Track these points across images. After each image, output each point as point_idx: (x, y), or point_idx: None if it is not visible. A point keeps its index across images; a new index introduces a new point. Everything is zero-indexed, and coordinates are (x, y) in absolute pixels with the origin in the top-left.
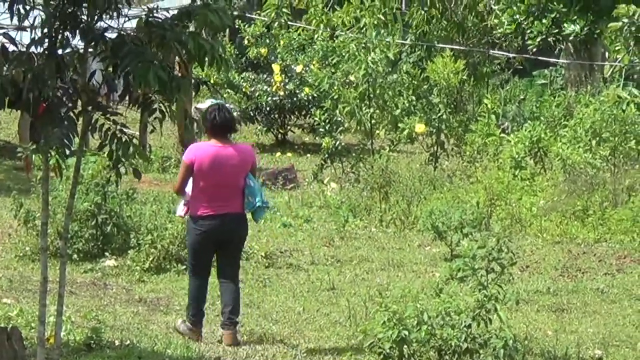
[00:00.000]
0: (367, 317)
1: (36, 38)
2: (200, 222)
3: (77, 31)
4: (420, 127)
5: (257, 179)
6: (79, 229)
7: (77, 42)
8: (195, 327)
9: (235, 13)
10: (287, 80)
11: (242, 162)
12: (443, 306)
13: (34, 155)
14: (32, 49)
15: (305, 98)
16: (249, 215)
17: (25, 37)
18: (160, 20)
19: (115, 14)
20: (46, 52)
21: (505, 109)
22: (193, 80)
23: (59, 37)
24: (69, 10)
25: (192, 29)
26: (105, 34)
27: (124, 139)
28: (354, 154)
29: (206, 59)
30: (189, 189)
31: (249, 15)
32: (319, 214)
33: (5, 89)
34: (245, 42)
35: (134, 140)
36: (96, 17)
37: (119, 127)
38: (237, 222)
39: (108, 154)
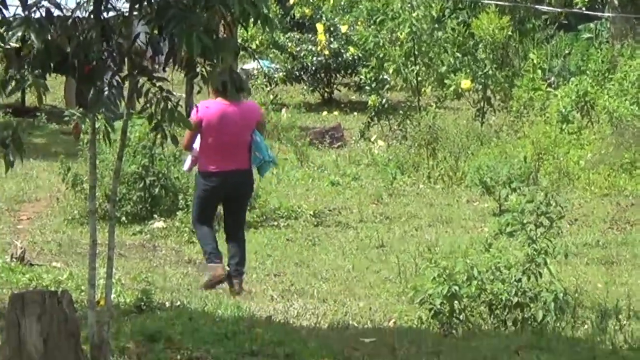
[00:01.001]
0: (416, 273)
1: (82, 2)
2: (209, 178)
3: None
4: (466, 83)
5: (263, 135)
6: (127, 191)
7: (122, 4)
8: (214, 262)
9: None
10: (332, 40)
11: (247, 119)
12: (493, 261)
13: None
14: (77, 13)
15: (351, 58)
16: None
17: (70, 1)
18: None
19: None
20: (91, 16)
21: (551, 63)
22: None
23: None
24: None
25: None
26: None
27: (169, 106)
28: (400, 112)
29: (251, 20)
30: (196, 145)
31: None
32: (366, 172)
33: (50, 54)
34: (291, 1)
35: (180, 106)
36: None
37: (164, 93)
38: (243, 177)
39: (148, 118)
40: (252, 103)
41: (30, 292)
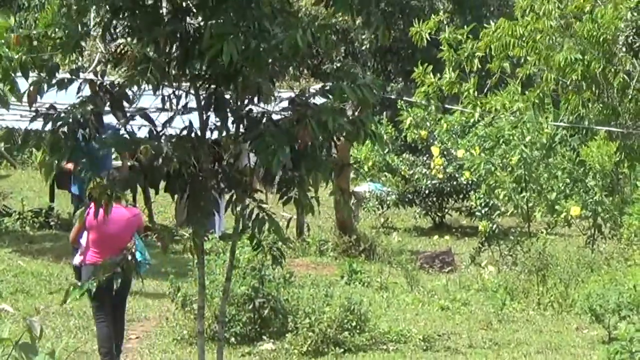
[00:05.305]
0: None
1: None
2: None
3: (226, 113)
4: (575, 210)
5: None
6: (236, 312)
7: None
8: None
9: (393, 96)
10: (446, 164)
11: (130, 222)
12: None
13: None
14: (166, 130)
15: (465, 182)
16: None
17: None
18: (303, 99)
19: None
20: (198, 135)
21: None
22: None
23: (209, 120)
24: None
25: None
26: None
27: (260, 216)
28: (511, 237)
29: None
30: (83, 240)
31: (407, 99)
32: (476, 297)
33: (153, 171)
34: (407, 123)
35: (273, 218)
36: (246, 100)
37: (257, 203)
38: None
39: (249, 238)
40: (134, 209)
41: None
